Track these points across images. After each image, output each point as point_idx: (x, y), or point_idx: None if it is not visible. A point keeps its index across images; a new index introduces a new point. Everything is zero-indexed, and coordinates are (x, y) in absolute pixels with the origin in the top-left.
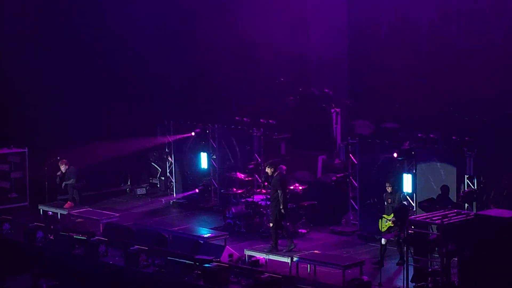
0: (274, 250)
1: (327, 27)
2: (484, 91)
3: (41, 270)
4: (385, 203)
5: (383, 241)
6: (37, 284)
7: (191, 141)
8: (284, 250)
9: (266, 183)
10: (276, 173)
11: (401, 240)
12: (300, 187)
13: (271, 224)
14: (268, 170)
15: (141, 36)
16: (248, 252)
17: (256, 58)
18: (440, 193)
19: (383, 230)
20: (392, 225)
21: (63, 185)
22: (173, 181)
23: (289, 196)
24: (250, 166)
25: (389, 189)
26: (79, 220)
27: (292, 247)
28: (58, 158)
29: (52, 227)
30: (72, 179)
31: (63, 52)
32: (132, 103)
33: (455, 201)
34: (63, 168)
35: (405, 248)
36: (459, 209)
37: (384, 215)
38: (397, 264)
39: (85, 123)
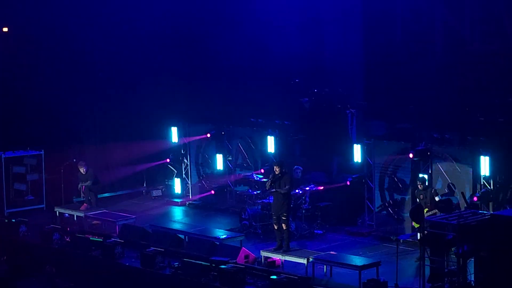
0: (288, 249)
1: (342, 27)
2: (499, 91)
3: (56, 270)
4: (417, 200)
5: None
6: (54, 284)
7: (207, 143)
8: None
9: (271, 182)
10: (286, 172)
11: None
12: (316, 188)
13: (284, 225)
14: (276, 168)
15: (156, 36)
16: (264, 253)
17: (271, 59)
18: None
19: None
20: None
21: (79, 186)
22: (189, 182)
23: (304, 197)
24: (266, 167)
25: (420, 187)
26: (95, 222)
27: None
28: (75, 160)
29: (68, 229)
30: (89, 181)
31: (79, 55)
32: (148, 104)
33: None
34: (82, 170)
35: (421, 248)
36: (475, 209)
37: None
38: (416, 260)
39: (101, 125)
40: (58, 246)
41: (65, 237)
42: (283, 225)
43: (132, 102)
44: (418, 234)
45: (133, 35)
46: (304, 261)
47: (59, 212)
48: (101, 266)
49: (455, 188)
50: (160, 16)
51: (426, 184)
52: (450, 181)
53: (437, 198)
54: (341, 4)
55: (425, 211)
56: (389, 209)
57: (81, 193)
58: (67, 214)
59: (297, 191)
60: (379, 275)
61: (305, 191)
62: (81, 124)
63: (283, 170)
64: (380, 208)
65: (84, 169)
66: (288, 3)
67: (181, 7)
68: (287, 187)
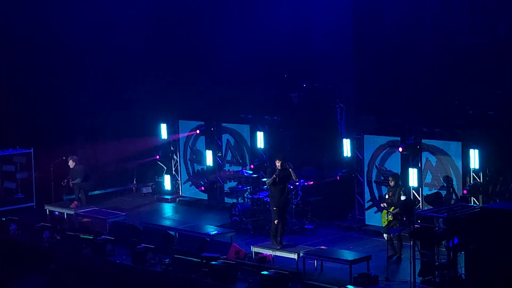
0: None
1: (331, 22)
2: (489, 84)
3: (61, 268)
4: (386, 196)
5: (385, 236)
6: (59, 281)
7: (196, 139)
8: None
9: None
10: (286, 166)
11: (402, 234)
12: (306, 183)
13: (276, 222)
14: (278, 163)
15: (146, 33)
16: (255, 249)
17: (260, 55)
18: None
19: (384, 224)
20: (392, 219)
21: (64, 181)
22: (179, 179)
23: (295, 192)
24: (256, 163)
25: (391, 183)
26: (85, 219)
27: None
28: (64, 158)
29: (58, 227)
30: (78, 179)
31: (69, 52)
32: (138, 101)
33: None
34: (71, 164)
35: (411, 242)
36: (465, 203)
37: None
38: (389, 257)
39: (91, 122)
40: (49, 244)
41: (56, 235)
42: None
43: (121, 99)
44: (385, 235)
45: (122, 33)
46: (295, 256)
47: (49, 210)
48: (92, 263)
49: (447, 181)
50: (150, 13)
51: (399, 182)
52: (439, 175)
53: (403, 197)
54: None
55: (391, 209)
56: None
57: (67, 188)
58: (57, 212)
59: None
60: (369, 269)
61: (295, 186)
62: (71, 122)
63: (285, 164)
64: (370, 204)
65: (73, 164)
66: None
67: (171, 3)
68: (294, 178)
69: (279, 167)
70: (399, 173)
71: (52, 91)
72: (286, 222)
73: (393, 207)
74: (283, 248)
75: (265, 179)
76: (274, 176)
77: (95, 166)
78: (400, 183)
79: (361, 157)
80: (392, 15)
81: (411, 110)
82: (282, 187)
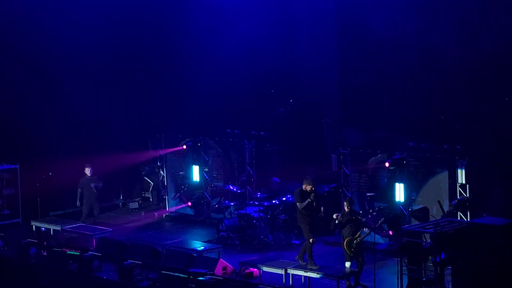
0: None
1: (316, 36)
2: (474, 99)
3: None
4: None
5: (348, 264)
6: None
7: (183, 154)
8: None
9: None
10: (314, 188)
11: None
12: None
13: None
14: (309, 187)
15: (131, 48)
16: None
17: (246, 70)
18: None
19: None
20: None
21: (78, 191)
22: (166, 194)
23: (282, 208)
24: (242, 179)
25: (347, 209)
26: (72, 235)
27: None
28: (50, 174)
29: (45, 243)
30: (100, 184)
31: (53, 68)
32: (124, 116)
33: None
34: (88, 172)
35: (399, 257)
36: (452, 218)
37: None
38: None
39: (77, 137)
40: (35, 260)
41: (42, 251)
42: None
43: (107, 115)
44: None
45: (107, 46)
46: (282, 271)
47: (35, 226)
48: (78, 279)
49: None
50: (134, 27)
51: (352, 207)
52: (426, 190)
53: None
54: (315, 13)
55: (348, 240)
56: (369, 216)
57: (79, 201)
58: (43, 228)
59: (274, 201)
60: (357, 285)
61: (282, 202)
62: (56, 137)
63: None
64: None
65: (90, 170)
66: (262, 13)
67: (157, 20)
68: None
69: (311, 190)
70: (385, 188)
71: (37, 106)
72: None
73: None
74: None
75: (251, 194)
76: (309, 200)
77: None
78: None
79: (348, 172)
80: (377, 29)
81: (397, 124)
82: (316, 208)
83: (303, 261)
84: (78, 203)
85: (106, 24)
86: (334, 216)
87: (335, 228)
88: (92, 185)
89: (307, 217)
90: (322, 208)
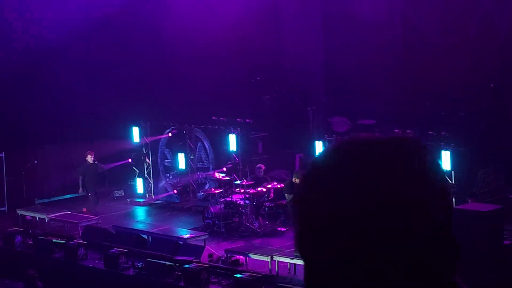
0: None
1: (301, 23)
2: (460, 85)
3: (37, 273)
4: (285, 195)
5: None
6: (35, 286)
7: (168, 142)
8: None
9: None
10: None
11: None
12: (278, 186)
13: None
14: (297, 181)
15: (117, 35)
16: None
17: (231, 57)
18: None
19: None
20: None
21: (80, 180)
22: (151, 182)
23: (268, 195)
24: (228, 166)
25: (297, 181)
26: (57, 223)
27: None
28: (36, 162)
29: (30, 231)
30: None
31: (37, 56)
32: (109, 104)
33: None
34: (90, 159)
35: None
36: None
37: None
38: None
39: (62, 125)
40: (21, 248)
41: (28, 239)
42: None
43: (92, 102)
44: None
45: (93, 34)
46: (267, 258)
47: (21, 214)
48: (64, 268)
49: None
50: (116, 15)
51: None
52: None
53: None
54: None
55: None
56: None
57: (82, 188)
58: (29, 217)
59: (259, 189)
60: None
61: (268, 189)
62: (42, 125)
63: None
64: None
65: (93, 158)
66: (246, 1)
67: (141, 4)
68: None
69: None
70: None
71: (22, 94)
72: None
73: None
74: None
75: (237, 181)
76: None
77: (67, 169)
78: None
79: None
80: (362, 16)
81: (383, 111)
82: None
83: None
84: (81, 190)
85: (90, 12)
86: None
87: None
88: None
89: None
90: None
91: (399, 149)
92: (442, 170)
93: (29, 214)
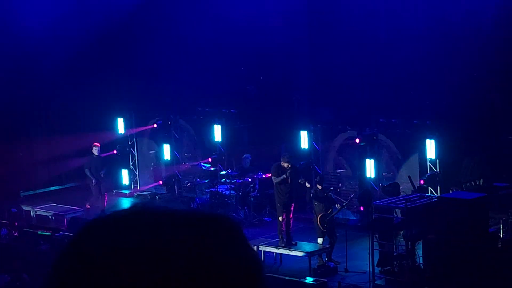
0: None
1: (286, 13)
2: (444, 74)
3: (23, 265)
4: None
5: (320, 241)
6: (21, 278)
7: (154, 133)
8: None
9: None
10: (290, 166)
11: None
12: (264, 176)
13: (280, 218)
14: (285, 164)
15: (101, 26)
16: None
17: (216, 48)
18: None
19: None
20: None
21: (87, 171)
22: (137, 173)
23: (253, 185)
24: (214, 157)
25: (285, 165)
26: (43, 215)
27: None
28: (21, 154)
29: (16, 224)
30: (105, 169)
31: (22, 46)
32: (94, 95)
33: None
34: (96, 151)
35: (370, 233)
36: (423, 193)
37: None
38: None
39: (47, 117)
40: (6, 241)
41: (13, 232)
42: (283, 217)
43: (77, 94)
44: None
45: (77, 25)
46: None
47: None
48: (50, 260)
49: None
50: (101, 8)
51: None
52: (396, 165)
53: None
54: None
55: (320, 216)
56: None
57: (95, 179)
58: (14, 209)
59: (245, 179)
60: (327, 262)
61: (253, 179)
62: (27, 117)
63: (292, 163)
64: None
65: (98, 150)
66: None
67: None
68: (303, 179)
69: (287, 167)
70: (356, 165)
71: (6, 85)
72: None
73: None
74: (289, 245)
75: (222, 172)
76: (285, 176)
77: (53, 161)
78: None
79: (318, 149)
80: (347, 6)
81: (368, 101)
82: (290, 185)
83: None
84: (93, 181)
85: (74, 5)
86: (307, 184)
87: (311, 199)
88: (102, 173)
89: (280, 195)
90: (306, 183)
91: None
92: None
93: (14, 206)
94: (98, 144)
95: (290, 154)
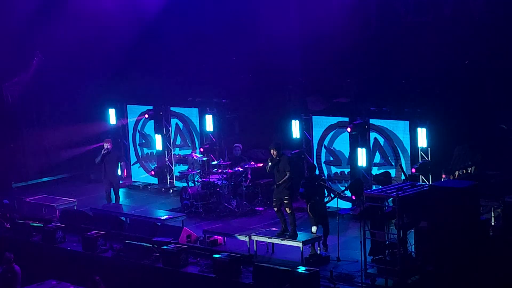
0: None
1: (277, 2)
2: (435, 62)
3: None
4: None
5: (314, 229)
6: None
7: (145, 123)
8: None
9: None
10: (282, 155)
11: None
12: (256, 165)
13: (287, 209)
14: (273, 152)
15: (93, 17)
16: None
17: (208, 37)
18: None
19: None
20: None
21: (97, 161)
22: (129, 164)
23: (245, 175)
24: (205, 146)
25: (274, 154)
26: (35, 206)
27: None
28: (12, 145)
29: (8, 215)
30: (120, 162)
31: (14, 35)
32: (85, 86)
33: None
34: (107, 145)
35: (361, 222)
36: (414, 181)
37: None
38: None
39: (38, 108)
40: None
41: (5, 223)
42: (286, 209)
43: (68, 85)
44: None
45: (70, 16)
46: (246, 238)
47: None
48: (42, 251)
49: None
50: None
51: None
52: (388, 154)
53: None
54: None
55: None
56: (330, 183)
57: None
58: (6, 200)
59: (237, 168)
60: (321, 250)
61: (245, 169)
62: (18, 108)
63: (281, 153)
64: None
65: (110, 146)
66: None
67: None
68: (287, 172)
69: (274, 156)
70: (348, 154)
71: None
72: (293, 212)
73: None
74: (283, 236)
75: (214, 162)
76: (268, 163)
77: (44, 152)
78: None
79: (310, 138)
80: None
81: (359, 89)
82: (279, 175)
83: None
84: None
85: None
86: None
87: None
88: (121, 163)
89: (273, 184)
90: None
91: None
92: None
93: (6, 197)
94: (109, 140)
95: (278, 143)
